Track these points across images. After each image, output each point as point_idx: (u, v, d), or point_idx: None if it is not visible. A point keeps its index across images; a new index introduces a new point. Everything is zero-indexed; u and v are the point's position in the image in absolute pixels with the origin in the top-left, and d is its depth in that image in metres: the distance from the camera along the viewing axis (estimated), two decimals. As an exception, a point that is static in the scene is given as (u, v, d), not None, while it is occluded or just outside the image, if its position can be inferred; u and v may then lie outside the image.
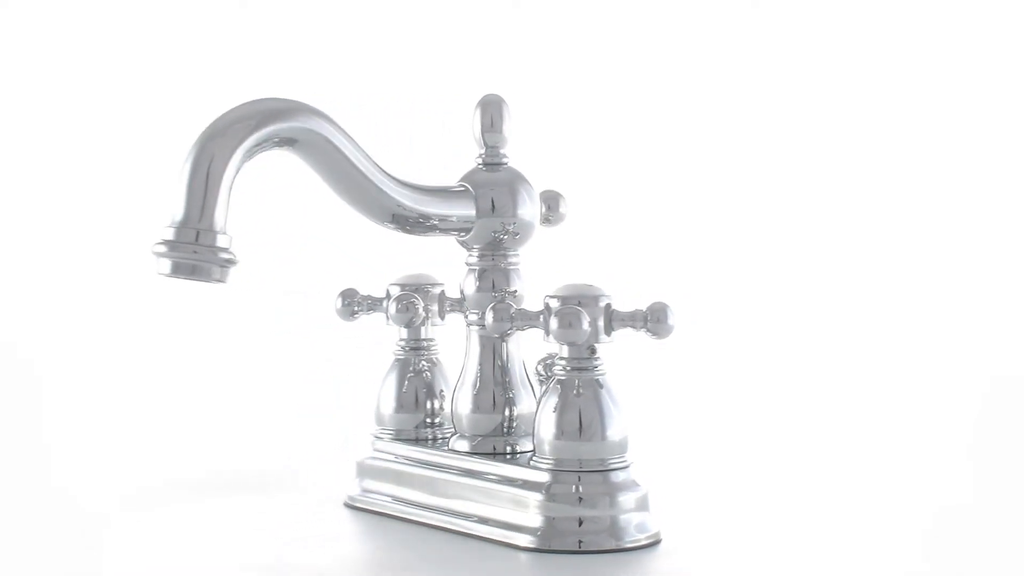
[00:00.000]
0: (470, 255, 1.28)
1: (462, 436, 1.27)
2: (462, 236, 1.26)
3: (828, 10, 2.04)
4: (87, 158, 1.97)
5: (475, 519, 1.21)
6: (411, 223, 1.22)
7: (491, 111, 1.27)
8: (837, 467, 1.50)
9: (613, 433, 1.17)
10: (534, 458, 1.19)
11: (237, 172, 1.10)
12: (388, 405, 1.33)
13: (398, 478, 1.29)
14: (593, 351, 1.18)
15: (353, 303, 1.36)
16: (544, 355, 1.28)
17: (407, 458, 1.30)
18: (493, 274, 1.27)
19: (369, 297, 1.35)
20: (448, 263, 1.35)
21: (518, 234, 1.26)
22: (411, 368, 1.33)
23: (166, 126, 1.90)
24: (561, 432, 1.17)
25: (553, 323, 1.17)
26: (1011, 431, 1.65)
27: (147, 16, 1.97)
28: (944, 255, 2.02)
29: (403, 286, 1.34)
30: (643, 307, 1.17)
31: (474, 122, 1.28)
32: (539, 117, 1.86)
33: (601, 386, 1.18)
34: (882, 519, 1.29)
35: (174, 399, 1.80)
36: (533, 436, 1.19)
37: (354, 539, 1.24)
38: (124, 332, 1.91)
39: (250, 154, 1.11)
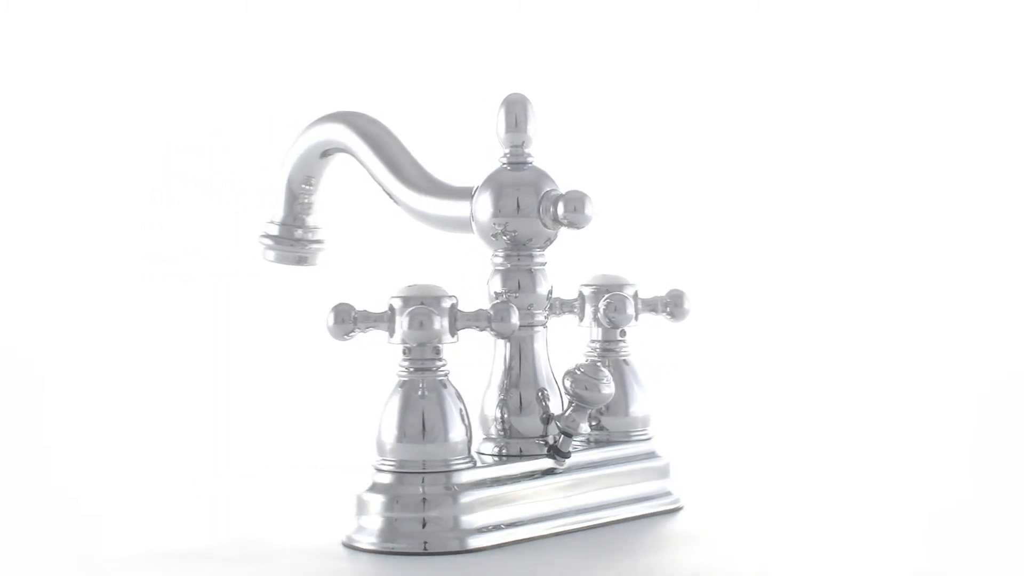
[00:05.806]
0: (495, 255, 1.26)
1: (489, 439, 1.25)
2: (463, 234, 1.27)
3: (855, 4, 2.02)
4: (88, 159, 2.01)
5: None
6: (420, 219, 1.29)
7: (515, 110, 1.25)
8: (802, 465, 1.48)
9: (455, 434, 1.17)
10: (376, 460, 1.18)
11: (313, 174, 1.33)
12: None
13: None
14: (437, 352, 1.17)
15: None
16: (570, 368, 1.23)
17: None
18: (518, 274, 1.25)
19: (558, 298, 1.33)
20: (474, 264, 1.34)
21: (515, 231, 1.24)
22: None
23: (165, 128, 1.93)
24: (403, 434, 1.16)
25: (404, 323, 1.16)
26: (1011, 431, 1.59)
27: (165, 18, 2.00)
28: (945, 255, 1.96)
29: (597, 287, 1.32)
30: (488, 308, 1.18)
31: (498, 122, 1.26)
32: (564, 116, 1.84)
33: (444, 387, 1.17)
34: (876, 519, 1.26)
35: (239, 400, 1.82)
36: (376, 438, 1.18)
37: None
38: (127, 335, 1.94)
39: (323, 161, 1.32)
